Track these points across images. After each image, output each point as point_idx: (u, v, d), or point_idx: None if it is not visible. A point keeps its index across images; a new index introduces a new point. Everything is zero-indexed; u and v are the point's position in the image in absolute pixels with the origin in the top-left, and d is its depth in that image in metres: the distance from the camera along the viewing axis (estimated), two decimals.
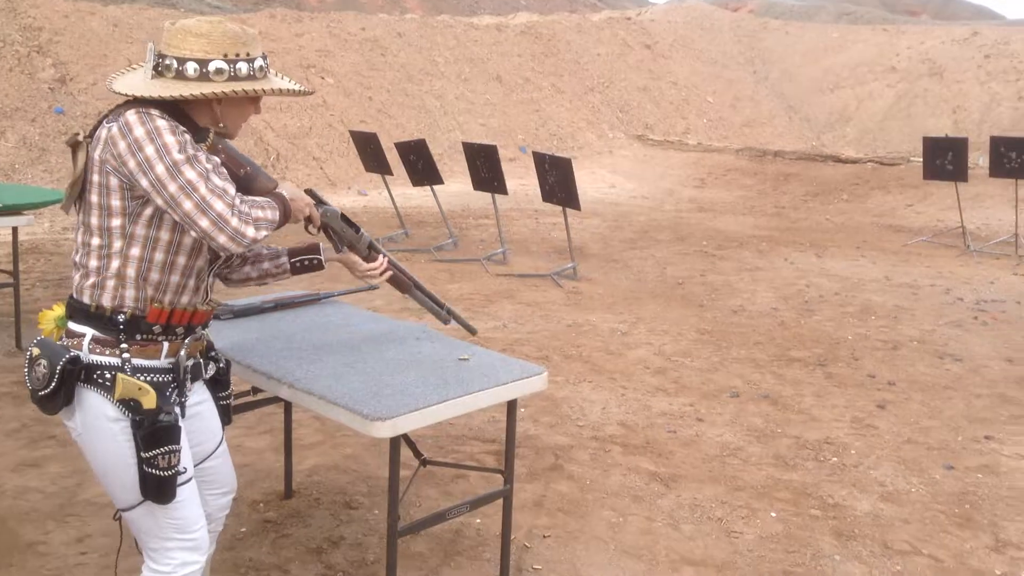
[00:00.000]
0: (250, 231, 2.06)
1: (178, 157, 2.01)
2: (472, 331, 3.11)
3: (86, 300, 2.15)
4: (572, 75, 19.19)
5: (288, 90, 2.23)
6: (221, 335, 2.91)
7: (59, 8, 13.61)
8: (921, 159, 10.87)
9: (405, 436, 2.72)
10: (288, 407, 3.74)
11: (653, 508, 3.81)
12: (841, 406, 5.05)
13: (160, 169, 1.99)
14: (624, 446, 4.42)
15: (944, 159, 9.97)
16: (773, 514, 3.80)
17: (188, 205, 2.00)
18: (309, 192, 2.48)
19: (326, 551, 3.34)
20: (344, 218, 2.58)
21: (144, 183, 2.02)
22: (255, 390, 3.34)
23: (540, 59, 19.15)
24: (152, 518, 2.18)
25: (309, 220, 2.43)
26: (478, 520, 3.60)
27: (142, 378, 2.13)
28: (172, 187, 2.00)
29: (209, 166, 2.06)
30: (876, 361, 5.86)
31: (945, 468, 4.29)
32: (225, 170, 2.15)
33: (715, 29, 24.73)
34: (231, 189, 2.06)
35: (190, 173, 2.00)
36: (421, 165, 9.08)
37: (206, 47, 2.10)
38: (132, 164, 2.02)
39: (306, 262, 2.64)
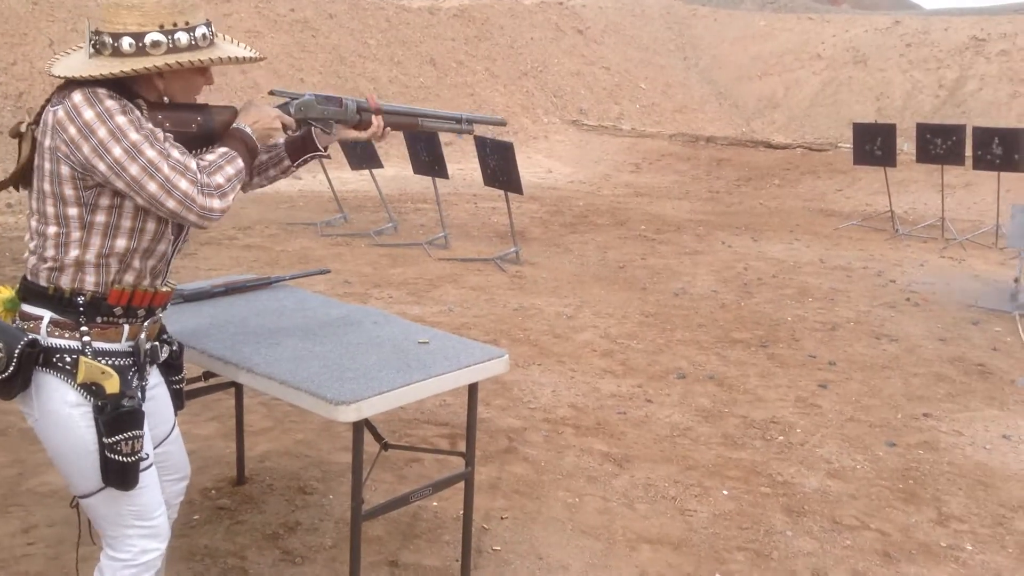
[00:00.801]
0: (217, 204, 2.01)
1: (136, 137, 1.93)
2: (502, 123, 2.99)
3: (42, 282, 2.05)
4: (506, 59, 19.15)
5: (235, 57, 2.11)
6: (172, 320, 2.83)
7: None
8: (849, 145, 11.12)
9: (366, 420, 2.68)
10: (239, 393, 3.66)
11: (608, 488, 3.84)
12: (784, 386, 5.15)
13: (118, 152, 1.92)
14: (576, 428, 4.44)
15: (873, 145, 10.22)
16: (725, 492, 3.86)
17: (152, 187, 1.94)
18: (273, 93, 2.37)
19: (282, 537, 3.28)
20: (320, 98, 2.42)
21: (102, 167, 1.93)
22: (207, 375, 3.27)
23: (474, 43, 19.07)
24: (112, 505, 2.11)
25: (286, 127, 2.31)
26: (435, 503, 3.58)
27: (104, 362, 2.06)
28: (133, 169, 1.92)
29: (167, 143, 1.99)
30: (816, 342, 5.98)
31: (887, 445, 4.40)
32: (176, 140, 2.05)
33: (646, 15, 24.91)
34: (192, 163, 1.99)
35: (150, 152, 1.93)
36: (360, 148, 8.97)
37: (140, 19, 1.98)
38: (86, 149, 1.93)
39: (308, 159, 2.46)
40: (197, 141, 2.13)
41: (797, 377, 5.30)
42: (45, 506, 3.38)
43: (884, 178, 10.72)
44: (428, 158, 8.50)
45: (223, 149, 2.10)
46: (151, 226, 2.07)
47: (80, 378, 2.02)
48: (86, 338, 2.06)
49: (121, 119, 1.94)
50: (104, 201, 2.00)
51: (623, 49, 22.25)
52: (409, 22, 18.40)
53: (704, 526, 3.57)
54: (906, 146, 12.86)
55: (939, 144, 9.79)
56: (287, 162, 2.43)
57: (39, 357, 2.02)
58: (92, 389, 2.03)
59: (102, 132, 1.92)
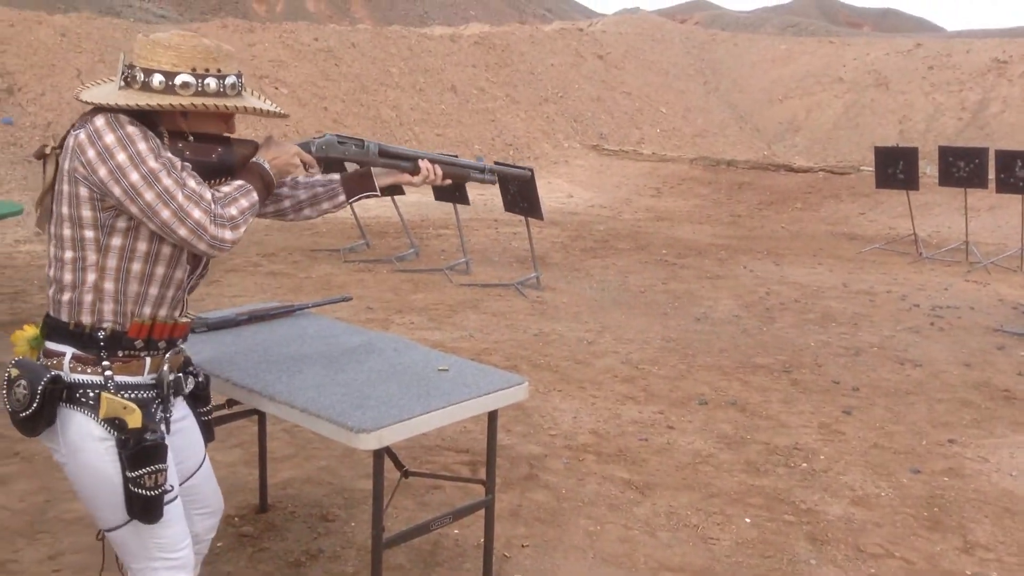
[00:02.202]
0: (228, 235, 2.04)
1: (154, 165, 1.97)
2: (526, 175, 3.06)
3: (64, 318, 2.08)
4: (526, 85, 19.28)
5: (258, 109, 2.16)
6: (197, 349, 2.87)
7: (4, 17, 13.36)
8: (871, 168, 11.08)
9: (387, 448, 2.69)
10: (262, 420, 3.69)
11: (629, 516, 3.82)
12: (808, 412, 5.12)
13: (135, 177, 1.95)
14: (597, 455, 4.43)
15: (895, 168, 10.19)
16: (748, 520, 3.83)
17: (166, 214, 1.97)
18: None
19: (305, 564, 3.29)
20: (341, 139, 2.46)
21: (117, 191, 1.96)
22: (230, 403, 3.29)
23: (494, 69, 19.21)
24: (137, 538, 2.12)
25: (307, 165, 2.35)
26: (456, 531, 3.58)
27: (126, 395, 2.08)
28: (149, 195, 1.96)
29: (184, 172, 2.02)
30: (839, 367, 5.95)
31: (912, 472, 4.36)
32: (195, 169, 2.08)
33: (666, 40, 25.02)
34: (207, 194, 2.03)
35: (167, 180, 1.97)
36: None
37: (174, 60, 2.05)
38: (103, 172, 1.96)
39: (363, 197, 2.52)
40: (216, 171, 2.16)
41: (820, 403, 5.27)
42: (71, 533, 3.41)
43: (907, 201, 10.68)
44: (449, 184, 8.54)
45: (239, 182, 2.13)
46: (166, 251, 2.09)
47: (102, 413, 2.04)
48: (108, 372, 2.08)
49: (142, 146, 1.97)
50: (121, 224, 2.03)
51: (643, 74, 22.34)
52: (431, 50, 18.57)
53: (727, 554, 3.55)
54: (929, 169, 12.81)
55: (962, 167, 9.75)
56: (341, 198, 2.48)
57: (62, 393, 2.04)
58: (115, 423, 2.05)
59: (121, 157, 1.96)
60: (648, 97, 21.29)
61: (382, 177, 2.52)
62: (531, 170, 7.79)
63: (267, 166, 2.21)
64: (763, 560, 3.51)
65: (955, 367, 6.01)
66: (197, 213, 1.98)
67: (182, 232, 1.98)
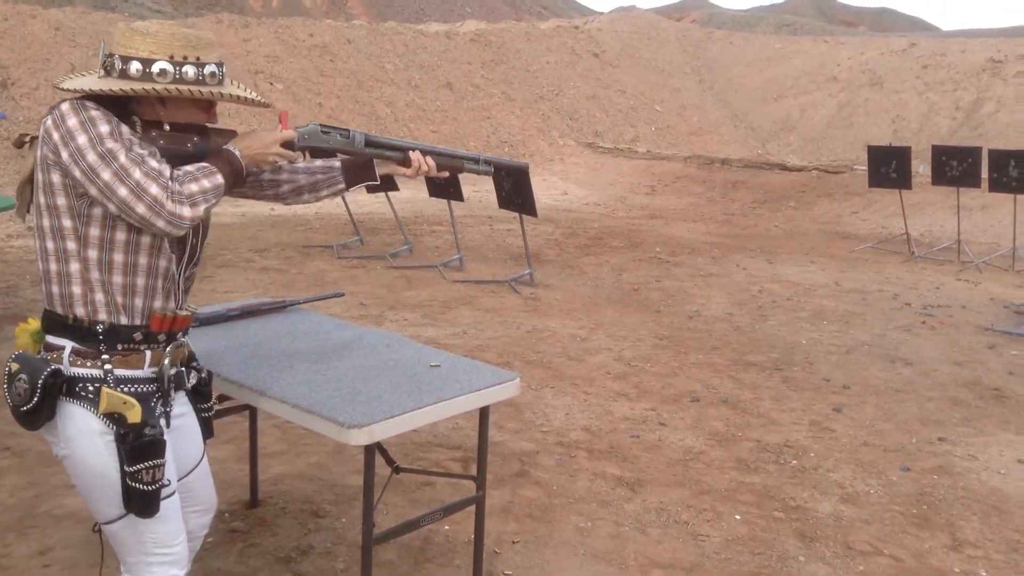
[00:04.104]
0: (187, 211, 1.99)
1: (112, 145, 1.95)
2: (522, 166, 3.04)
3: (60, 311, 2.07)
4: (522, 82, 19.28)
5: (235, 95, 2.13)
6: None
7: None
8: (865, 167, 11.10)
9: (378, 444, 2.70)
10: (253, 416, 3.69)
11: (620, 512, 3.83)
12: (799, 410, 5.14)
13: (92, 158, 1.93)
14: (589, 451, 4.44)
15: (888, 167, 10.21)
16: (738, 517, 3.85)
17: (123, 192, 1.93)
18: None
19: (295, 560, 3.30)
20: (325, 128, 2.43)
21: (77, 173, 1.94)
22: (221, 398, 3.30)
23: (490, 66, 19.21)
24: (133, 532, 2.13)
25: (289, 155, 2.29)
26: (446, 527, 3.59)
27: (126, 390, 2.08)
28: (106, 175, 1.93)
29: (144, 152, 2.00)
30: (830, 365, 5.97)
31: (901, 470, 4.38)
32: (161, 154, 2.06)
33: (661, 39, 25.04)
34: (167, 171, 1.99)
35: (123, 159, 1.94)
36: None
37: (152, 47, 2.03)
38: (65, 155, 1.94)
39: (362, 185, 2.51)
40: (192, 161, 2.12)
41: (811, 401, 5.29)
42: (61, 528, 3.41)
43: (900, 200, 10.71)
44: (444, 181, 8.55)
45: (203, 164, 2.10)
46: (146, 239, 2.07)
47: (102, 408, 2.04)
48: (108, 366, 2.07)
49: (103, 127, 1.96)
50: (97, 212, 2.01)
51: (638, 72, 22.35)
52: (426, 47, 18.56)
53: (716, 551, 3.56)
54: (922, 168, 12.84)
55: (955, 166, 9.78)
56: (341, 185, 2.47)
57: (63, 387, 2.04)
58: (115, 418, 2.04)
59: (81, 139, 1.94)
60: (643, 95, 21.31)
61: (379, 167, 2.49)
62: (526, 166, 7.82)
63: (238, 153, 2.17)
64: (753, 557, 3.52)
65: (946, 366, 6.04)
66: (154, 189, 1.94)
67: (140, 209, 1.94)
